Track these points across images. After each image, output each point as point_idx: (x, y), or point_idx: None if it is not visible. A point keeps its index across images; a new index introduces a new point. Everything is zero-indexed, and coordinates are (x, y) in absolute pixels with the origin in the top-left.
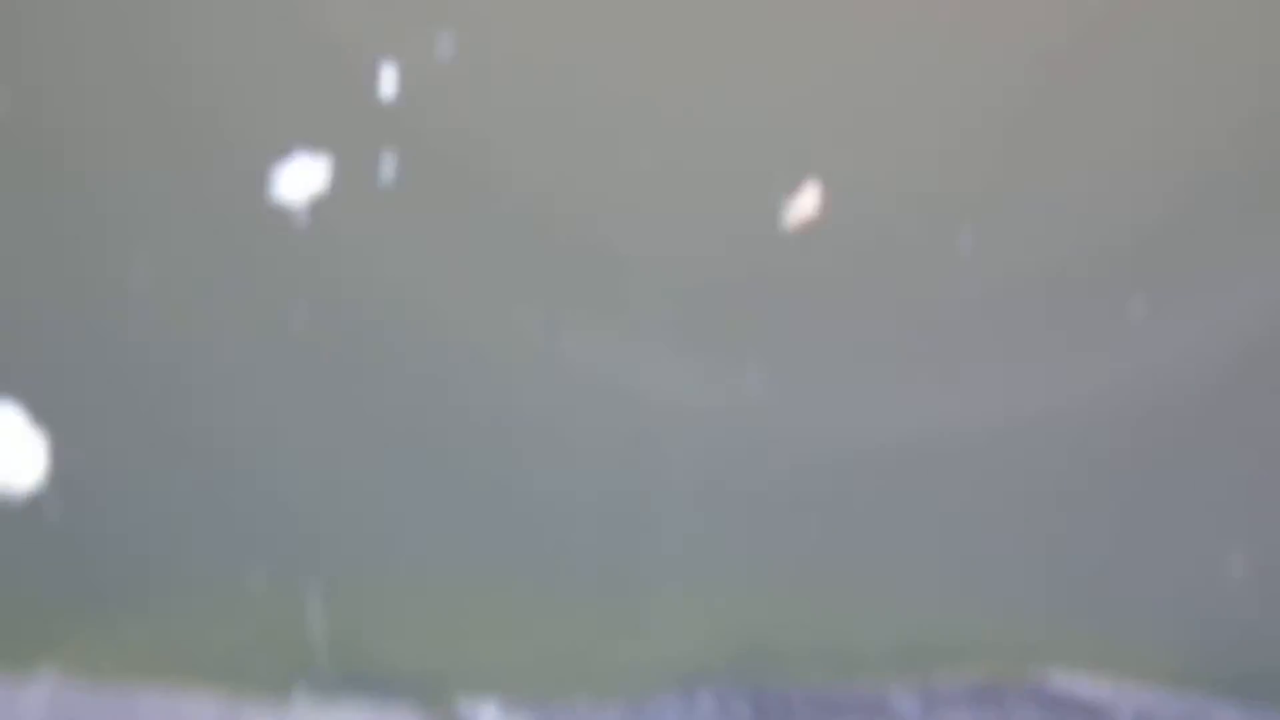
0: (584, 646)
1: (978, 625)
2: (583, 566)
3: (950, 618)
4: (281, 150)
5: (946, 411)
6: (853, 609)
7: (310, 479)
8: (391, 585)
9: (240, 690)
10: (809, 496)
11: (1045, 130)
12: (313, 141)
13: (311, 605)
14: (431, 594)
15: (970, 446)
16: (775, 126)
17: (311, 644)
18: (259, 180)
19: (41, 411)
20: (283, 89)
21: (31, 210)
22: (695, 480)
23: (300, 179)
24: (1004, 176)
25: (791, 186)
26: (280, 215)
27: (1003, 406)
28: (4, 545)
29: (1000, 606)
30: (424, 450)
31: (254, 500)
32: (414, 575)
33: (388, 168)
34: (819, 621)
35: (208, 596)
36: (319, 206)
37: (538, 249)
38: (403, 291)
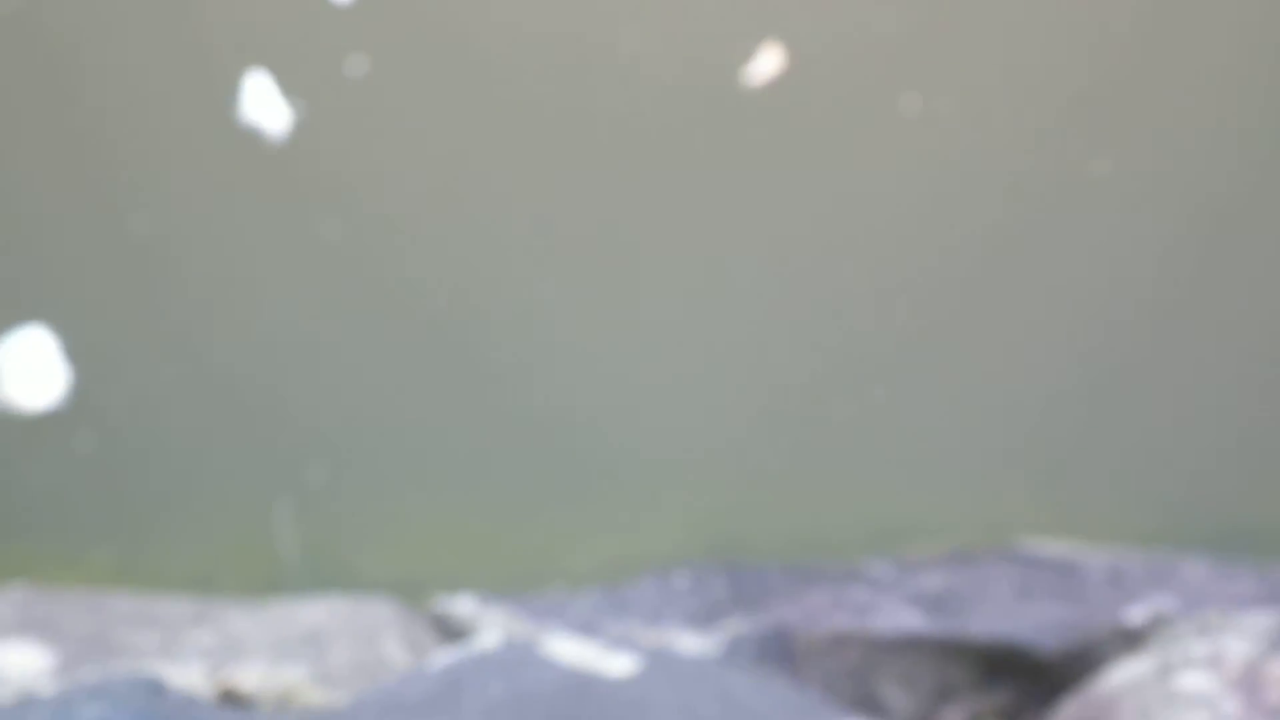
0: (558, 547)
1: (951, 502)
2: (552, 472)
3: (922, 497)
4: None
5: (914, 292)
6: (825, 495)
7: (296, 394)
8: (364, 499)
9: (212, 597)
10: (777, 385)
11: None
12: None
13: (281, 519)
14: (404, 505)
15: (935, 324)
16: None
17: (284, 555)
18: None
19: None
20: None
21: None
22: (661, 376)
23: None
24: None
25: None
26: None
27: (968, 279)
28: None
29: (973, 483)
30: (390, 364)
31: (229, 414)
32: (387, 488)
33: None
34: (792, 509)
35: (177, 514)
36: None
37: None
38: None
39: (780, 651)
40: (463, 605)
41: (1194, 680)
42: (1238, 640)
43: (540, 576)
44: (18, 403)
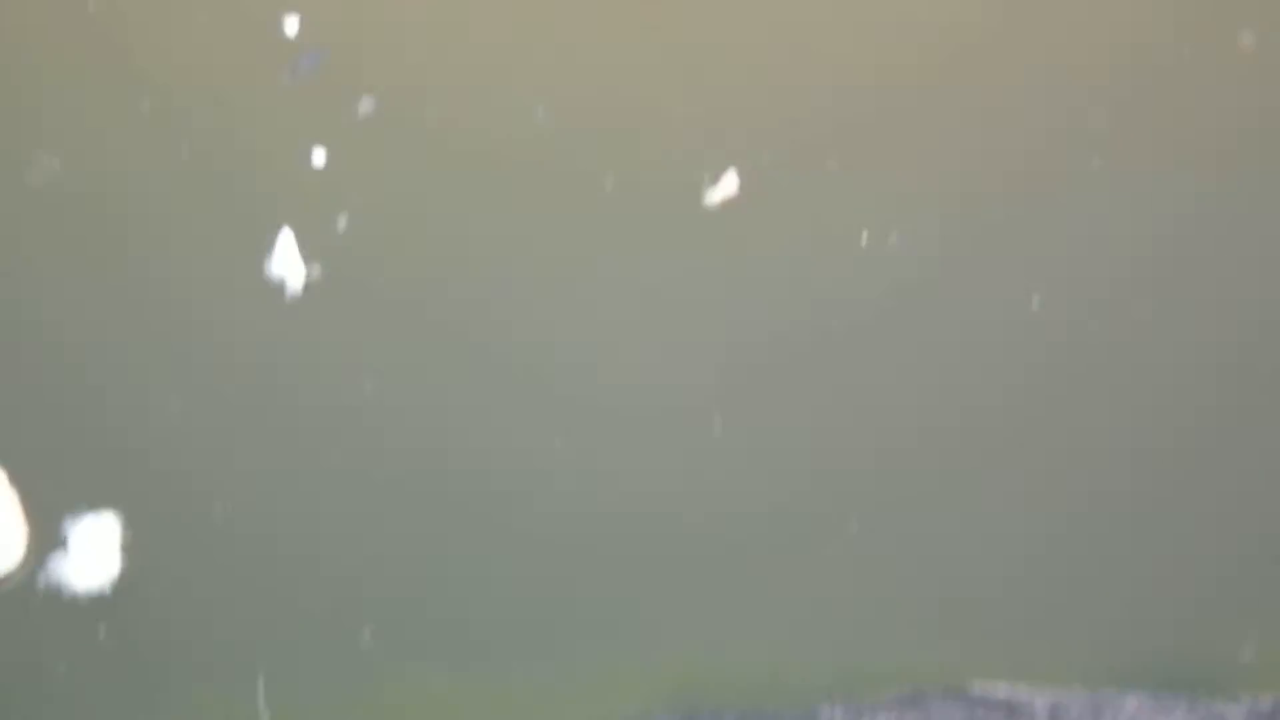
0: (534, 707)
1: (902, 647)
2: (513, 638)
3: (875, 643)
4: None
5: (853, 440)
6: (781, 643)
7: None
8: (339, 666)
9: None
10: (729, 538)
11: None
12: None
13: (261, 691)
14: (385, 671)
15: (880, 472)
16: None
17: None
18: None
19: None
20: None
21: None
22: (615, 536)
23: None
24: None
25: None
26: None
27: (910, 414)
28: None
29: (923, 628)
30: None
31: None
32: (365, 653)
33: None
34: (749, 660)
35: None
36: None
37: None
38: None
39: None
40: None
41: None
42: None
43: None
44: (72, 584)
